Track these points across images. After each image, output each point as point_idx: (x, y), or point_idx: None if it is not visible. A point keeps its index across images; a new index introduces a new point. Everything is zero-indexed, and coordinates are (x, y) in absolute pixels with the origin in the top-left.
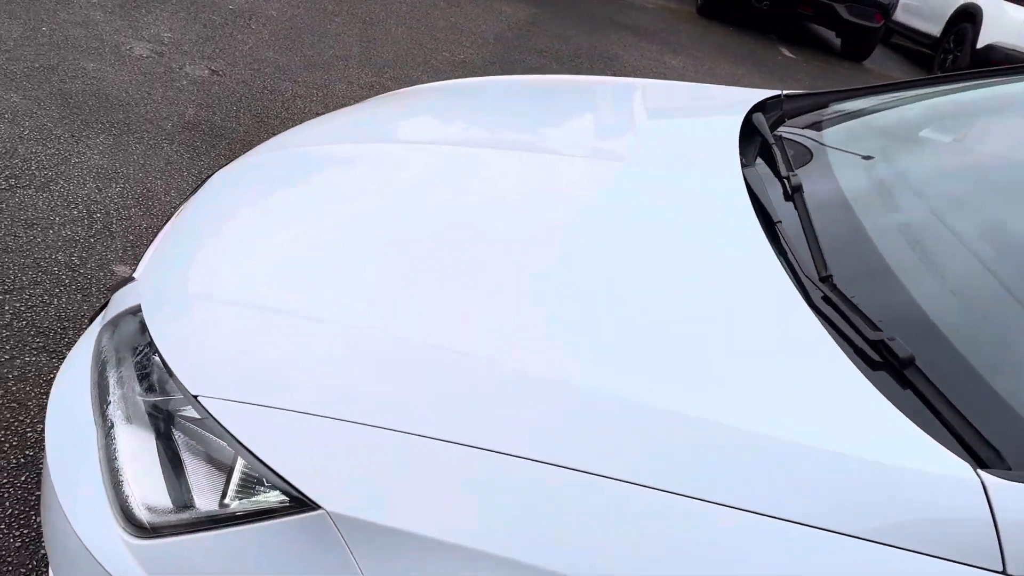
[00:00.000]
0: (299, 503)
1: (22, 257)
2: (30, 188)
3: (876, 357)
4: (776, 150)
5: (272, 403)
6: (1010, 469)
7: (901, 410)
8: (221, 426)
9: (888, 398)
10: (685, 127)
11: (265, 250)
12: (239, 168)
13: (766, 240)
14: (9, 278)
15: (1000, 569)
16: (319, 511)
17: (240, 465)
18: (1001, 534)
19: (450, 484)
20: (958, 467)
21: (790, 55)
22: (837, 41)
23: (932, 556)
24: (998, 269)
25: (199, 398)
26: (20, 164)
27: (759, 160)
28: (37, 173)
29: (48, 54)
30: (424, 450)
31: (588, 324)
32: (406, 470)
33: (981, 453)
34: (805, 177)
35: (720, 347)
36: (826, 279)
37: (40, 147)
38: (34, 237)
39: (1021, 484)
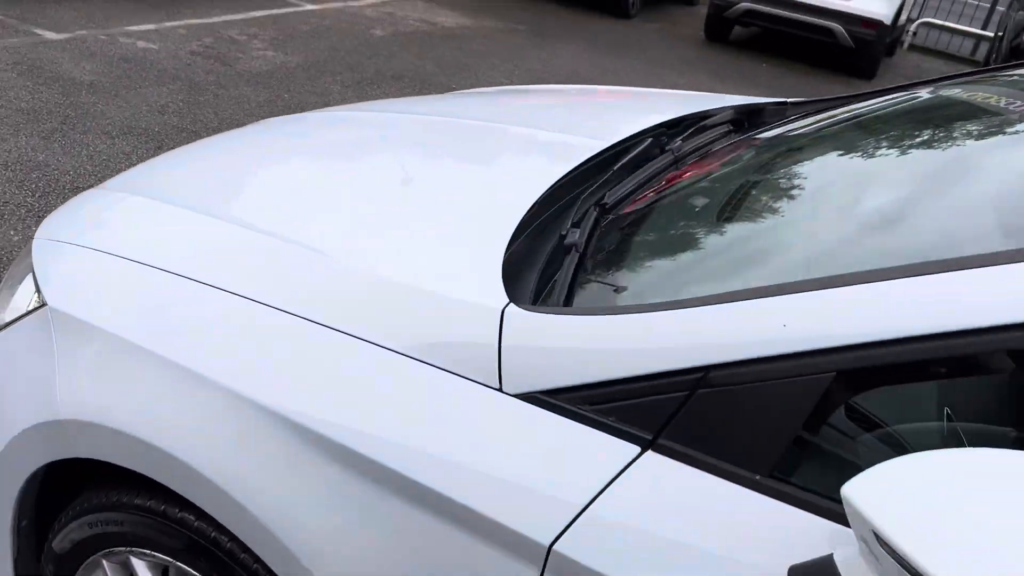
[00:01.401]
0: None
1: None
2: None
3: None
4: (694, 135)
5: (73, 241)
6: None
7: (504, 274)
8: (30, 251)
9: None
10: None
11: (197, 162)
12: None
13: (564, 169)
14: None
15: (497, 386)
16: (46, 306)
17: None
18: (503, 354)
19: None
20: (497, 300)
21: None
22: None
23: (449, 372)
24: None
25: (34, 239)
26: None
27: (667, 140)
28: None
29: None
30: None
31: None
32: (117, 283)
33: (558, 297)
34: (683, 151)
35: (415, 211)
36: (600, 205)
37: None
38: None
39: (533, 313)
